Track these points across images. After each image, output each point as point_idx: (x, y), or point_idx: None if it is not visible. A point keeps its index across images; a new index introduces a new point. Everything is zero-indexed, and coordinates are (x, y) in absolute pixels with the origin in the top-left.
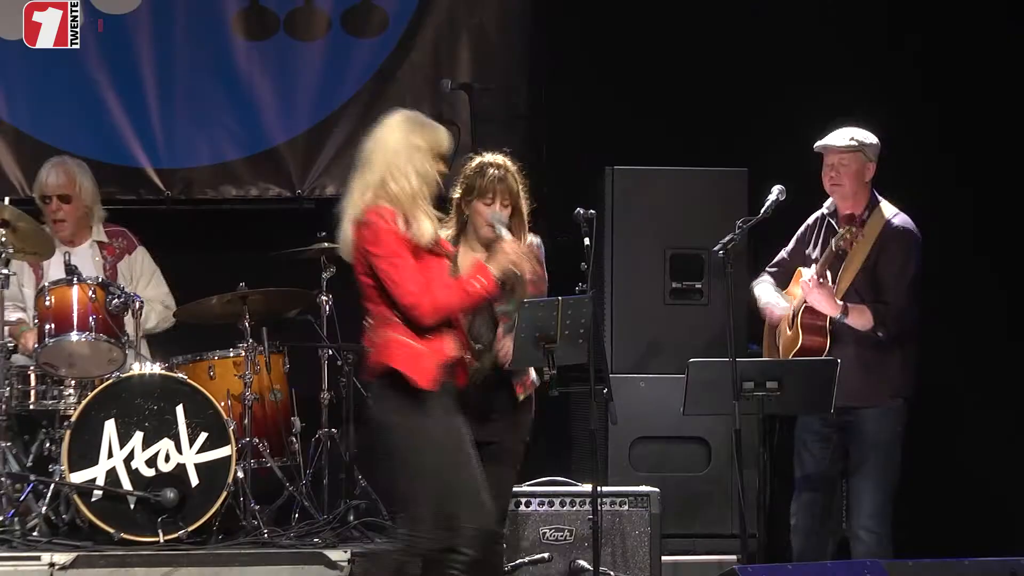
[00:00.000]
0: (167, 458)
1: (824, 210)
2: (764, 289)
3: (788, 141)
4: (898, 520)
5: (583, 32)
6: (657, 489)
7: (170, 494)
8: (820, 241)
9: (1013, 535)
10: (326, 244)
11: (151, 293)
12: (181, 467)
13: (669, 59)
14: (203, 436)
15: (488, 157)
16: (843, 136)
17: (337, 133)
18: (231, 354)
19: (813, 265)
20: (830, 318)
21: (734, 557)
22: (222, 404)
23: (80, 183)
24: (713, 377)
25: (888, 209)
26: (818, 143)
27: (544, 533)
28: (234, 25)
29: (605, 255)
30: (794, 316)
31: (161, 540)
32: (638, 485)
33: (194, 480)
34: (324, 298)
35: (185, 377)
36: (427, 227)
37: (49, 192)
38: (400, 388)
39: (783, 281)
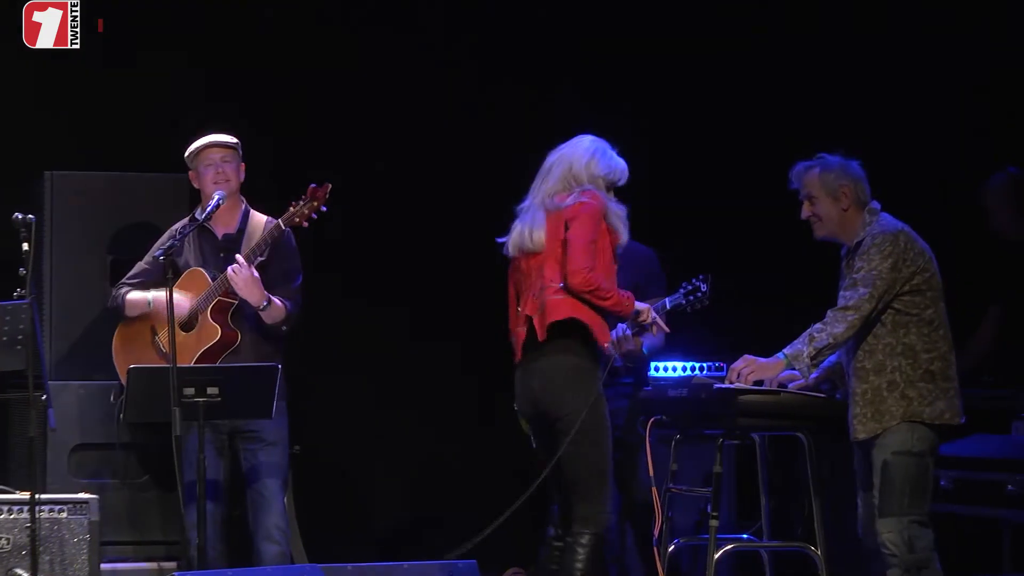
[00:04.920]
0: None
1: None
2: (137, 292)
3: None
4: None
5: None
6: (96, 496)
7: None
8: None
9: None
10: None
11: None
12: None
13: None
14: None
15: None
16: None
17: None
18: None
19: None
20: (232, 311)
21: (174, 564)
22: None
23: None
24: (153, 383)
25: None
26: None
27: None
28: None
29: (44, 260)
30: (198, 312)
31: None
32: (77, 492)
33: None
34: None
35: None
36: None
37: None
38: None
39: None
